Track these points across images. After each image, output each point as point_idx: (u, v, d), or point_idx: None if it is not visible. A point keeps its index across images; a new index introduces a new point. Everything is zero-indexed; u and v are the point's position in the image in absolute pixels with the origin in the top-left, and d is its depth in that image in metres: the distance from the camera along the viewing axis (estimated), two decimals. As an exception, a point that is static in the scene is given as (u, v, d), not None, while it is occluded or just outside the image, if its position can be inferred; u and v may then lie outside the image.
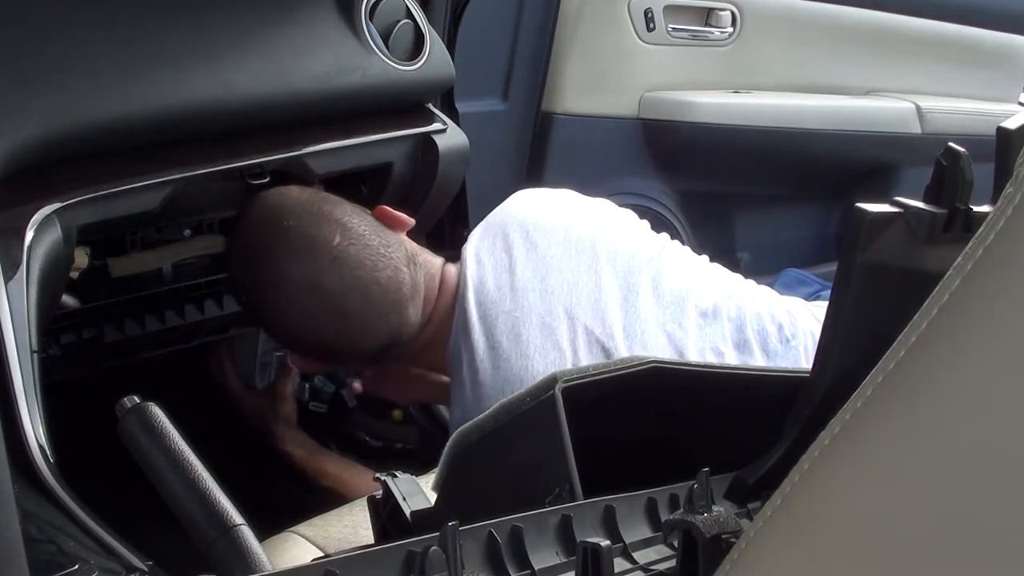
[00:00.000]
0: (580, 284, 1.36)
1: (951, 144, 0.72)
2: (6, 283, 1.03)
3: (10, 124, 1.10)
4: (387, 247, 1.36)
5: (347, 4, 1.40)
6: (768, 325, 1.39)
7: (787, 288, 2.14)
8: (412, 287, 1.36)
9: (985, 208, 0.72)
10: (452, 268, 1.42)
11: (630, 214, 1.51)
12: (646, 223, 1.51)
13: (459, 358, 1.35)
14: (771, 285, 2.13)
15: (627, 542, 0.70)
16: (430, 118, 1.51)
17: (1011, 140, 0.70)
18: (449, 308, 1.38)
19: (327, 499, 1.42)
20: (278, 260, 1.32)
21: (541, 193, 1.49)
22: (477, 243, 1.40)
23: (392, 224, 1.40)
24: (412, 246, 1.41)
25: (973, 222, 0.71)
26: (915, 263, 0.72)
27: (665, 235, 1.50)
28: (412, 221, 1.43)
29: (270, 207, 1.35)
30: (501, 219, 1.42)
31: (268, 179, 1.36)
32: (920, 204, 0.72)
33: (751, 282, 1.50)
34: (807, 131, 2.31)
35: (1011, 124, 0.71)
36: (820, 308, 1.43)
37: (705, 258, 1.49)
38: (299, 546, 1.16)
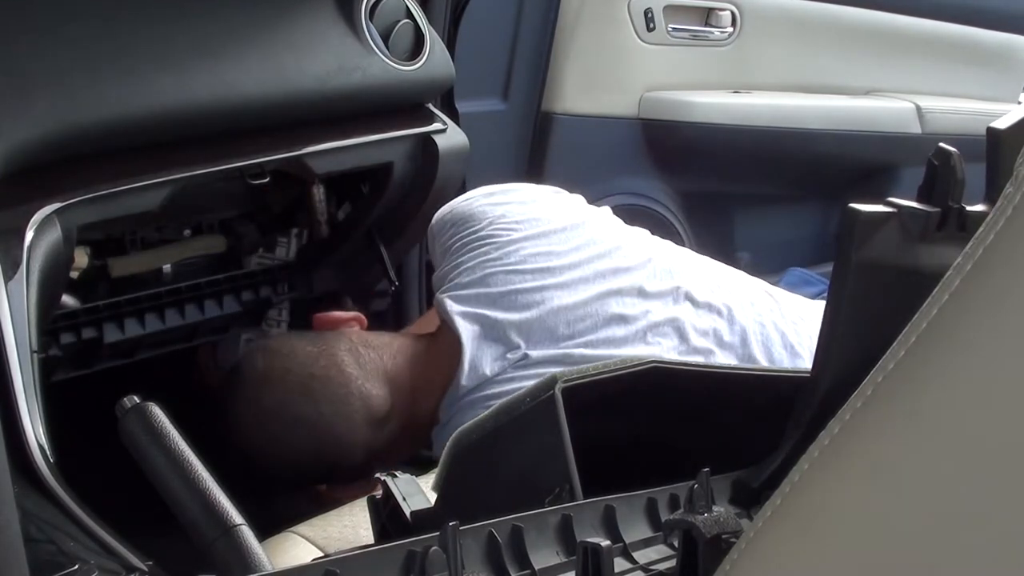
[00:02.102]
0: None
1: (941, 144, 0.72)
2: (6, 283, 1.03)
3: (10, 124, 1.10)
4: (316, 344, 1.36)
5: (347, 4, 1.40)
6: (772, 333, 1.39)
7: (792, 288, 2.13)
8: (358, 365, 1.35)
9: (979, 207, 0.72)
10: (426, 337, 1.41)
11: (617, 229, 1.48)
12: (636, 231, 1.50)
13: (450, 410, 1.35)
14: (775, 285, 2.13)
15: (627, 542, 0.70)
16: (430, 118, 1.51)
17: (1001, 140, 0.70)
18: (443, 375, 1.36)
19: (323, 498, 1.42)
20: (226, 414, 1.35)
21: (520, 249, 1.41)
22: (463, 315, 1.36)
23: (329, 325, 1.42)
24: (358, 333, 1.41)
25: (967, 220, 0.72)
26: (911, 261, 0.72)
27: (646, 235, 1.49)
28: (354, 316, 1.43)
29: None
30: (488, 294, 1.37)
31: (268, 179, 1.36)
32: (913, 204, 0.72)
33: (751, 283, 1.49)
34: (807, 131, 2.31)
35: (1001, 124, 0.71)
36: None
37: (696, 258, 1.49)
38: (299, 546, 1.16)
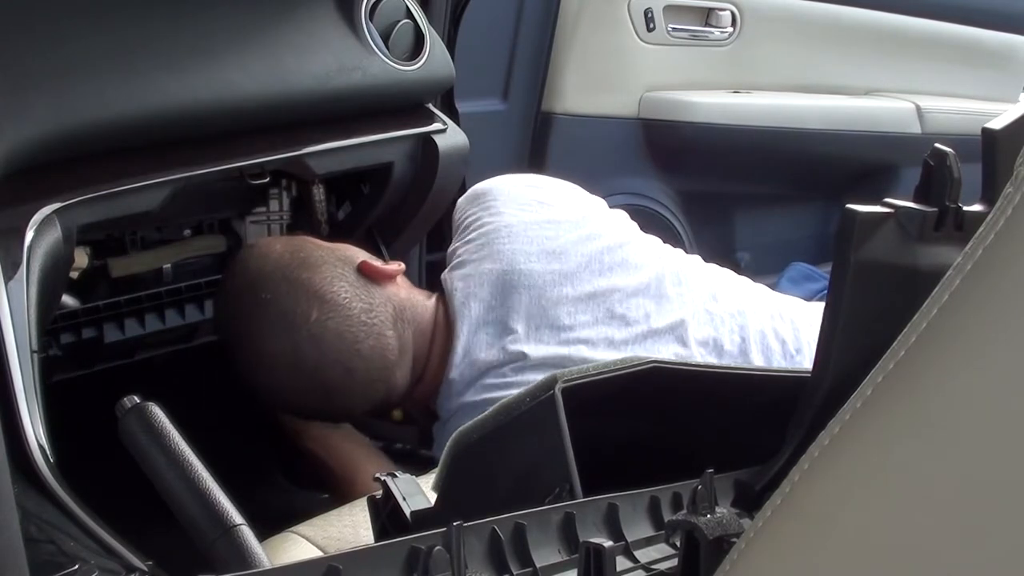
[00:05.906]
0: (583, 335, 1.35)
1: (937, 144, 0.72)
2: (6, 283, 1.03)
3: (10, 124, 1.10)
4: (370, 312, 1.33)
5: (347, 4, 1.40)
6: (772, 342, 1.39)
7: (794, 283, 2.14)
8: (399, 350, 1.35)
9: (977, 207, 0.72)
10: (442, 315, 1.40)
11: (622, 226, 1.48)
12: (647, 236, 1.49)
13: (448, 405, 1.37)
14: (775, 282, 2.13)
15: (629, 540, 0.70)
16: (430, 118, 1.51)
17: (997, 140, 0.70)
18: (442, 358, 1.37)
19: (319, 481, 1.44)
20: (256, 335, 1.32)
21: (526, 223, 1.41)
22: (464, 294, 1.36)
23: (377, 278, 1.36)
24: (400, 299, 1.37)
25: (964, 220, 0.72)
26: (909, 261, 0.72)
27: (657, 243, 1.48)
28: (399, 269, 1.39)
29: (251, 274, 1.33)
30: (491, 270, 1.37)
31: (268, 179, 1.36)
32: (910, 204, 0.72)
33: (751, 290, 1.49)
34: (807, 131, 2.31)
35: (996, 124, 0.71)
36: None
37: (703, 265, 1.49)
38: (299, 546, 1.16)
